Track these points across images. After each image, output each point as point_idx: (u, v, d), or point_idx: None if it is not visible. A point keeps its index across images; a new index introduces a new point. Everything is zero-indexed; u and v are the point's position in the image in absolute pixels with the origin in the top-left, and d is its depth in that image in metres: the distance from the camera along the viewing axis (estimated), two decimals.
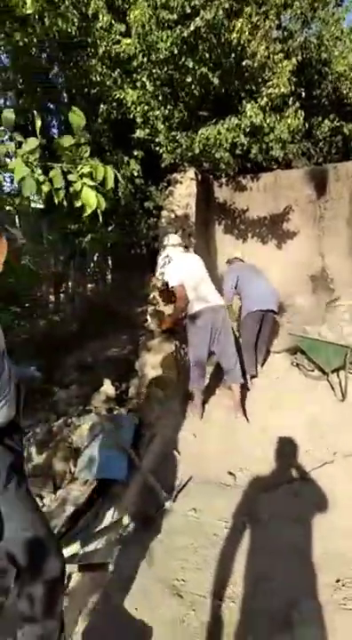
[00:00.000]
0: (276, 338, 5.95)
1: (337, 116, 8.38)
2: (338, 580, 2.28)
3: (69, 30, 4.68)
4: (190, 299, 4.17)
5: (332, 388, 4.84)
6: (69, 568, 2.24)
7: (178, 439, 4.02)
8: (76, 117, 2.30)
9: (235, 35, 5.12)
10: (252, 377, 5.11)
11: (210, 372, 4.83)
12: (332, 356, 4.82)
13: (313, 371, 5.20)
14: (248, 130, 5.54)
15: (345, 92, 7.92)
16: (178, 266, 4.35)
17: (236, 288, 5.18)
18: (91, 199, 2.33)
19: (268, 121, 5.48)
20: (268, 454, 3.68)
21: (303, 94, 6.11)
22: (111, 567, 2.45)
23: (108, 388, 4.81)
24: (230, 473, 3.44)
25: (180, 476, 3.43)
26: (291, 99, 5.74)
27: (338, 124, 8.27)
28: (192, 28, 4.78)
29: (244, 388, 4.69)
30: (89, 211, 2.35)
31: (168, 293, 5.31)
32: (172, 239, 4.62)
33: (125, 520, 2.81)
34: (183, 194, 5.92)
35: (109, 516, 2.93)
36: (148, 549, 2.61)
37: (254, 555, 2.54)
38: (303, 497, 3.05)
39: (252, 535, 2.71)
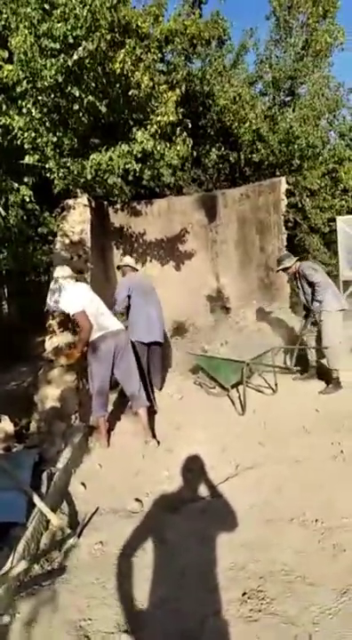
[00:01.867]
0: (177, 358, 6.07)
1: (223, 145, 8.97)
2: (244, 594, 2.32)
3: None
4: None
5: (233, 403, 5.03)
6: None
7: (82, 471, 3.89)
8: None
9: (118, 65, 5.27)
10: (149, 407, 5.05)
11: (112, 400, 4.76)
12: (231, 373, 5.03)
13: (214, 388, 5.37)
14: (139, 156, 5.68)
15: (228, 123, 8.51)
16: (76, 293, 4.24)
17: (129, 298, 5.11)
18: None
19: (158, 147, 5.66)
20: (174, 475, 3.69)
21: (190, 124, 6.43)
22: (6, 619, 2.27)
23: (5, 424, 4.53)
24: (137, 499, 3.38)
25: (85, 509, 3.30)
26: (178, 128, 6.02)
27: (224, 152, 8.85)
28: (75, 57, 4.83)
29: (152, 411, 4.69)
30: None
31: (67, 322, 5.18)
32: (63, 271, 4.47)
33: (23, 565, 2.62)
34: (77, 220, 5.88)
35: (8, 563, 2.71)
36: (53, 592, 2.46)
37: (162, 578, 2.51)
38: (209, 513, 3.09)
39: (158, 558, 2.68)
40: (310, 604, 2.22)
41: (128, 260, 5.55)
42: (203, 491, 3.43)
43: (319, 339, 5.30)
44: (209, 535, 2.85)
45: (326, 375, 5.33)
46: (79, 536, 2.95)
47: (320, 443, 4.00)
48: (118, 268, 5.61)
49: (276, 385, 5.27)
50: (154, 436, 4.37)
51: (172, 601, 2.34)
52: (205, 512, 3.13)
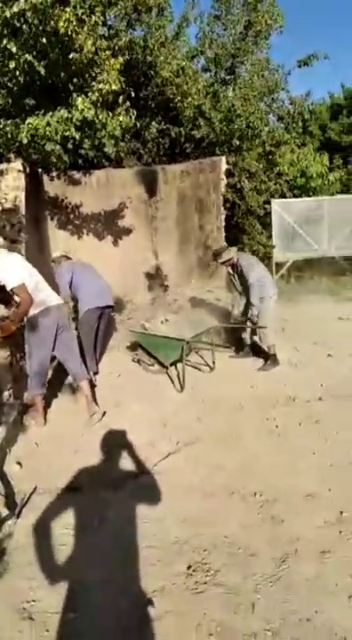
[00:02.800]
0: (115, 335, 5.98)
1: (163, 119, 8.78)
2: (189, 567, 2.37)
3: None
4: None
5: (172, 381, 5.07)
6: None
7: (18, 450, 3.74)
8: None
9: (62, 24, 4.94)
10: (95, 374, 5.05)
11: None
12: (170, 350, 5.04)
13: (153, 365, 5.37)
14: (79, 124, 5.41)
15: (171, 96, 8.33)
16: (13, 264, 3.91)
17: (70, 284, 4.98)
18: None
19: (100, 117, 5.42)
20: (113, 452, 3.66)
21: (133, 94, 6.22)
22: None
23: None
24: (76, 477, 3.32)
25: (22, 489, 3.18)
26: (121, 97, 5.79)
27: (165, 126, 8.66)
28: (15, 9, 4.45)
29: (92, 385, 4.62)
30: None
31: (4, 296, 4.86)
32: None
33: None
34: (11, 186, 5.51)
35: None
36: None
37: (106, 556, 2.50)
38: (151, 490, 3.10)
39: (101, 537, 2.66)
40: (252, 573, 2.31)
41: (58, 253, 5.41)
42: (143, 468, 3.43)
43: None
44: (151, 512, 2.87)
45: (263, 353, 5.53)
46: (18, 517, 2.84)
47: (256, 418, 4.15)
48: (53, 262, 5.36)
49: (213, 363, 5.37)
50: (96, 404, 4.32)
51: (117, 579, 2.33)
52: (147, 489, 3.14)
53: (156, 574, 2.35)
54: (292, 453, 3.48)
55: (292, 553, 2.44)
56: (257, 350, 5.69)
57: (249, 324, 5.59)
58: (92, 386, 4.68)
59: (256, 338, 5.67)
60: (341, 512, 2.74)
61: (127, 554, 2.51)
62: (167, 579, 2.31)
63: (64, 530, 2.72)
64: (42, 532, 2.73)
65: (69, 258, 5.35)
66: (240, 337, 5.84)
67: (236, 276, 5.71)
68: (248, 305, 5.48)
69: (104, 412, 4.23)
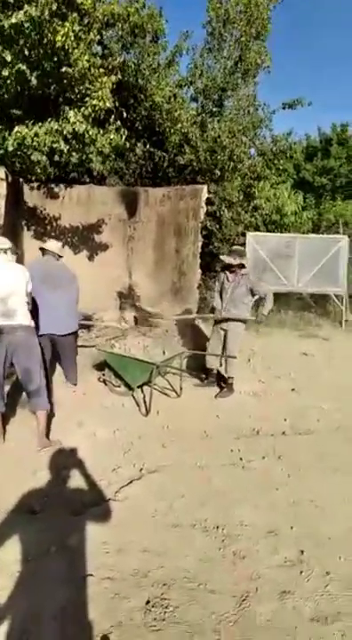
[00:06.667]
0: (82, 352, 5.88)
1: (149, 142, 8.90)
2: (148, 602, 2.31)
3: None
4: None
5: (137, 404, 5.02)
6: None
7: None
8: None
9: (59, 37, 4.96)
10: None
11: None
12: (139, 373, 5.00)
13: (119, 386, 5.31)
14: (69, 137, 5.40)
15: (158, 121, 8.47)
16: None
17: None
18: None
19: (90, 132, 5.43)
20: (74, 476, 3.57)
21: (124, 114, 6.28)
22: None
23: None
24: (33, 499, 3.21)
25: None
26: (113, 115, 5.84)
27: (150, 149, 8.78)
28: (13, 20, 4.45)
29: (50, 414, 4.31)
30: None
31: None
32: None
33: None
34: None
35: None
36: None
37: (62, 585, 2.41)
38: (112, 518, 3.04)
39: (59, 565, 2.57)
40: (212, 611, 2.28)
41: (50, 244, 5.15)
42: (105, 493, 3.35)
43: (225, 347, 5.50)
44: (112, 540, 2.80)
45: (224, 381, 5.58)
46: None
47: (220, 449, 4.15)
48: (41, 250, 5.16)
49: (181, 389, 5.36)
50: (48, 439, 4.03)
51: (73, 609, 2.25)
52: (108, 516, 3.06)
53: (113, 608, 2.28)
54: (255, 488, 3.49)
55: (252, 591, 2.42)
56: (219, 379, 5.72)
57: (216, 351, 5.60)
58: (51, 414, 4.38)
59: (221, 368, 5.67)
60: (302, 551, 2.76)
61: (83, 585, 2.43)
62: (125, 613, 2.25)
63: (21, 556, 2.60)
64: None
65: (56, 255, 5.06)
66: (205, 364, 5.80)
67: (232, 285, 5.37)
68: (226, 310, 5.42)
69: (58, 446, 3.98)
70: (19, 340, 3.88)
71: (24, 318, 3.95)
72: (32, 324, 4.04)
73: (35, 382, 3.99)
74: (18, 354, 3.90)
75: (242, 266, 5.35)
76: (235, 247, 5.79)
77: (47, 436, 4.08)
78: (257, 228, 10.22)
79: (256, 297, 5.46)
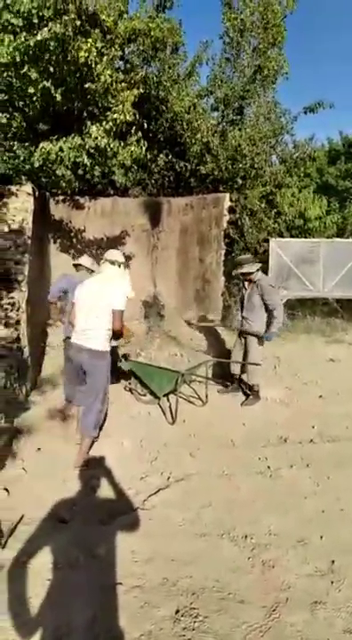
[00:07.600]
0: None
1: (170, 152, 8.99)
2: (177, 611, 2.32)
3: None
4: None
5: (163, 413, 5.04)
6: None
7: (6, 476, 3.67)
8: None
9: (82, 54, 5.09)
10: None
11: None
12: (165, 382, 5.03)
13: (145, 395, 5.35)
14: (92, 151, 5.52)
15: (180, 131, 8.56)
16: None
17: (65, 293, 4.83)
18: None
19: (112, 145, 5.53)
20: (102, 485, 3.61)
21: (145, 126, 6.37)
22: None
23: None
24: (63, 509, 3.26)
25: (8, 517, 3.11)
26: (133, 128, 5.94)
27: (172, 159, 8.86)
28: (39, 37, 4.60)
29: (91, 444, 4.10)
30: None
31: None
32: (112, 255, 4.11)
33: None
34: (19, 208, 5.55)
35: None
36: None
37: (92, 595, 2.44)
38: (140, 527, 3.06)
39: (86, 573, 2.60)
40: (242, 621, 2.27)
41: (82, 259, 5.20)
42: (133, 502, 3.38)
43: (246, 355, 5.45)
44: (140, 549, 2.82)
45: (248, 389, 5.54)
46: (4, 547, 2.77)
47: (247, 457, 4.13)
48: (75, 266, 5.26)
49: (206, 396, 5.36)
50: (86, 458, 3.95)
51: (102, 621, 2.27)
52: (136, 525, 3.09)
53: (142, 617, 2.30)
54: (283, 496, 3.46)
55: (282, 601, 2.40)
56: (243, 387, 5.69)
57: (241, 360, 5.57)
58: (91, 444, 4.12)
59: (244, 375, 5.61)
60: (333, 561, 2.72)
61: (113, 594, 2.45)
62: (154, 623, 2.26)
63: (51, 564, 2.65)
64: (26, 564, 2.66)
65: (90, 270, 4.99)
66: (231, 372, 5.77)
67: (248, 293, 5.38)
68: (247, 320, 5.37)
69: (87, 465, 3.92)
70: (83, 360, 3.96)
71: (94, 342, 3.89)
72: (103, 347, 3.93)
73: (87, 402, 4.01)
74: (84, 369, 4.00)
75: (247, 274, 5.33)
76: (240, 257, 5.75)
77: (86, 460, 3.96)
78: (280, 234, 10.13)
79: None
